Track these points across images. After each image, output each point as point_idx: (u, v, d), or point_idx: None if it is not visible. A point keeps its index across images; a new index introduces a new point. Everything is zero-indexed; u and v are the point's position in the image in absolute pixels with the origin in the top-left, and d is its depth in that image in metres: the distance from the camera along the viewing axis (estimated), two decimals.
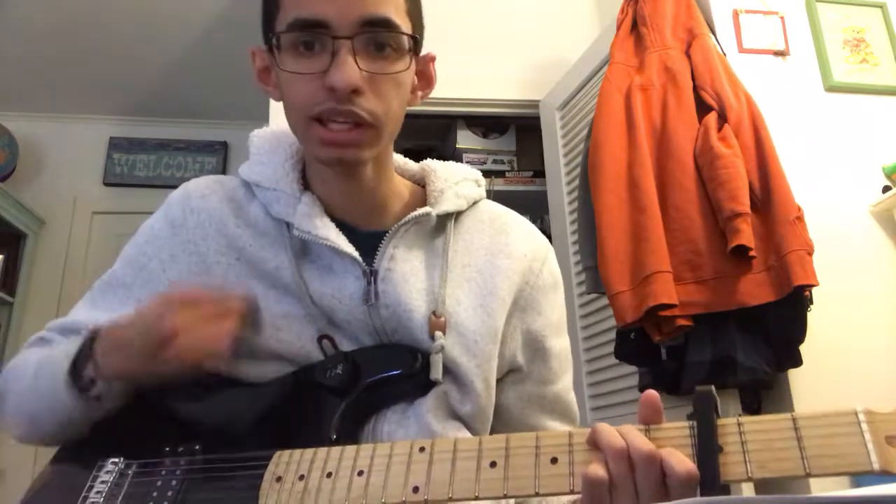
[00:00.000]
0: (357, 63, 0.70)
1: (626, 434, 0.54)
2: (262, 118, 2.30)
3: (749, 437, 0.52)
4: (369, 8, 0.70)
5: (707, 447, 0.52)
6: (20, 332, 3.37)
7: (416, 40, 0.75)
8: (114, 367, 0.71)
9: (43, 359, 0.76)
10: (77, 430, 0.74)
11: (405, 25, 0.73)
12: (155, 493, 0.65)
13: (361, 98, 0.70)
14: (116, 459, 0.69)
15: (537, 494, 0.55)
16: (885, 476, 0.47)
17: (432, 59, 0.83)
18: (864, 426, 0.49)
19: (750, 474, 0.50)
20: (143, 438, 0.72)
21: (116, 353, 0.70)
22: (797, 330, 1.55)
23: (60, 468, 0.75)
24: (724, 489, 0.51)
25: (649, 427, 0.56)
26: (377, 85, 0.71)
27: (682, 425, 0.55)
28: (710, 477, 0.51)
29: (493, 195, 2.87)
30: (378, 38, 0.71)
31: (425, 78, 0.83)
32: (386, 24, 0.71)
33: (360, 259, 0.75)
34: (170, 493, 0.65)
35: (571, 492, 0.55)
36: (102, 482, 0.67)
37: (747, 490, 1.52)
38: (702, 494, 0.52)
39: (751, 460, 0.51)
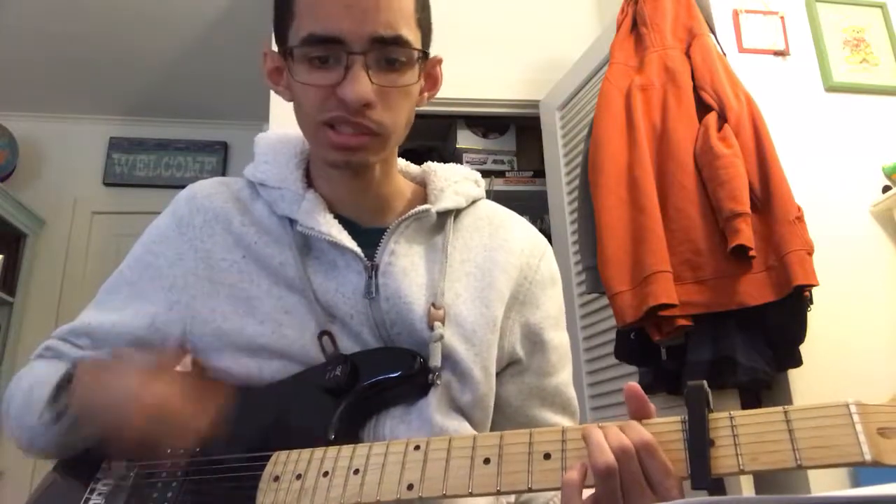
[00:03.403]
0: (370, 77, 0.72)
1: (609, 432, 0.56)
2: (262, 118, 2.30)
3: (741, 431, 0.52)
4: (382, 26, 0.72)
5: (698, 441, 0.52)
6: (20, 332, 3.38)
7: (424, 56, 0.77)
8: (84, 403, 0.71)
9: (38, 376, 0.77)
10: (68, 451, 0.75)
11: (415, 38, 0.76)
12: (156, 495, 0.65)
13: (372, 111, 0.73)
14: (118, 463, 0.69)
15: (530, 490, 0.56)
16: (878, 467, 0.48)
17: (439, 61, 0.85)
18: (856, 418, 0.49)
19: (742, 467, 0.51)
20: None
21: (93, 389, 0.71)
22: (797, 330, 1.55)
23: (62, 472, 0.75)
24: (717, 482, 0.52)
25: (640, 422, 0.56)
26: (388, 97, 0.74)
27: (673, 420, 0.55)
28: (701, 470, 0.51)
29: (493, 195, 2.88)
30: (389, 53, 0.73)
31: (432, 79, 0.85)
32: (397, 42, 0.73)
33: (361, 254, 0.77)
34: (170, 495, 0.65)
35: None
36: (105, 485, 0.67)
37: (745, 483, 1.53)
38: (693, 488, 0.52)
39: (742, 453, 0.51)
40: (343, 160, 0.76)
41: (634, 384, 0.58)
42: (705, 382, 0.55)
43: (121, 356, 0.74)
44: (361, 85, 0.71)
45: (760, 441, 0.51)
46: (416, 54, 0.75)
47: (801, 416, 0.51)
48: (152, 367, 0.70)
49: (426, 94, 0.84)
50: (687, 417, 0.54)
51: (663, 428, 0.55)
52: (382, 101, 0.73)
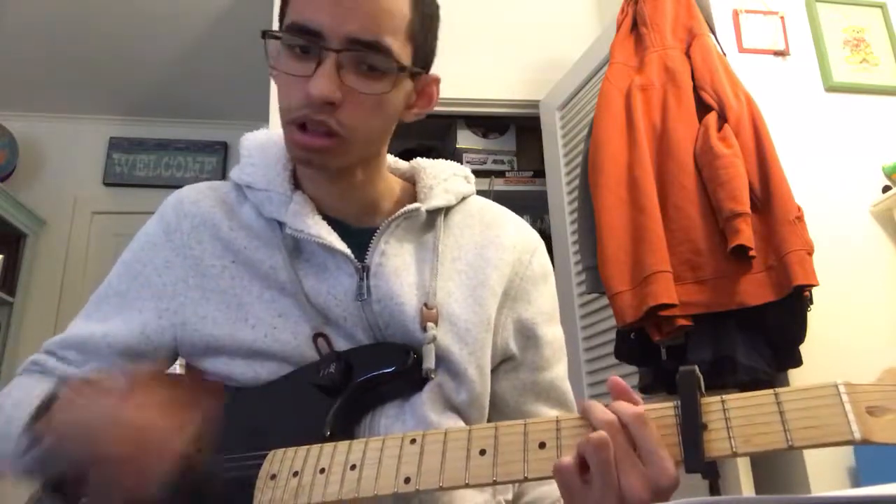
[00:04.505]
0: (340, 76, 0.70)
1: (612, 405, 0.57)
2: (262, 118, 2.30)
3: (733, 414, 0.53)
4: (360, 28, 0.70)
5: (691, 425, 0.53)
6: (20, 332, 3.38)
7: (404, 69, 0.74)
8: (58, 434, 0.65)
9: (18, 397, 0.75)
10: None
11: (401, 50, 0.73)
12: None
13: (337, 110, 0.71)
14: None
15: (526, 479, 0.56)
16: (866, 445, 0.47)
17: (436, 80, 0.82)
18: (845, 398, 0.49)
19: (735, 450, 0.51)
20: None
21: (66, 423, 0.65)
22: (797, 330, 1.55)
23: (48, 488, 0.74)
24: (711, 466, 0.52)
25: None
26: (357, 100, 0.72)
27: (666, 405, 0.55)
28: (695, 454, 0.52)
29: (493, 195, 2.88)
30: (365, 58, 0.71)
31: (425, 97, 0.82)
32: (373, 47, 0.71)
33: (351, 256, 0.76)
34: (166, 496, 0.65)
35: None
36: None
37: (745, 483, 1.53)
38: (687, 471, 0.53)
39: (735, 436, 0.52)
40: (304, 159, 0.75)
41: (616, 377, 0.58)
42: (696, 367, 0.55)
43: (99, 381, 0.67)
44: (326, 82, 0.69)
45: (752, 423, 0.52)
46: (395, 65, 0.72)
47: (791, 398, 0.51)
48: (129, 387, 0.64)
49: (415, 111, 0.82)
50: (679, 402, 0.54)
51: (656, 413, 0.55)
52: (351, 102, 0.71)
